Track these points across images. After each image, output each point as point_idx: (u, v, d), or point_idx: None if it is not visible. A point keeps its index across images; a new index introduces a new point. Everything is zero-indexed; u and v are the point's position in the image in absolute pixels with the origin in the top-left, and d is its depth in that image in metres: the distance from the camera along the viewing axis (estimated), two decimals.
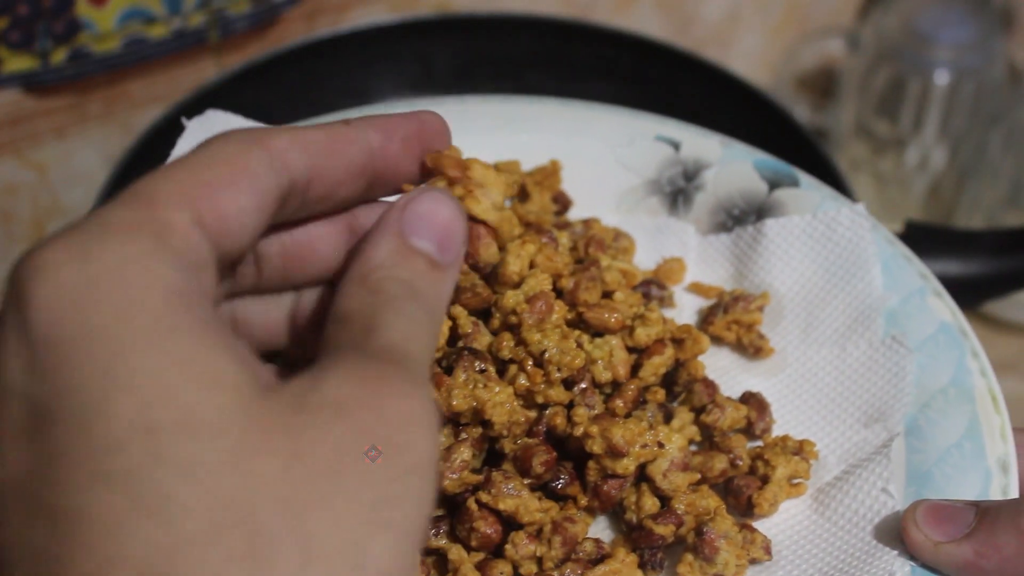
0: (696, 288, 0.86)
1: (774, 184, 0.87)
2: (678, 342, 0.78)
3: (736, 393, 0.78)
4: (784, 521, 0.73)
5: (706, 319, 0.83)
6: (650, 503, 0.70)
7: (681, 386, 0.77)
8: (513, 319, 0.72)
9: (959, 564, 0.64)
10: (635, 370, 0.76)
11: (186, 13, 1.19)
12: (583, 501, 0.71)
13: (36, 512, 0.41)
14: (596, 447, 0.69)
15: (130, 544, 0.39)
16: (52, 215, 1.31)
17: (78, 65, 1.19)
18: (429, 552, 0.69)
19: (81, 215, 0.46)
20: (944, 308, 0.78)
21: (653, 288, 0.83)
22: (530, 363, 0.71)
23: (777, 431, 0.77)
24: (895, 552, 0.67)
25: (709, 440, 0.76)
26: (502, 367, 0.72)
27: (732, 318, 0.81)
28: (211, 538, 0.39)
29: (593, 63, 1.35)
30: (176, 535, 0.39)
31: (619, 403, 0.73)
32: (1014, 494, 0.69)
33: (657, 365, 0.76)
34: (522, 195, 0.89)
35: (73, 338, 0.41)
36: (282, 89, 1.25)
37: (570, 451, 0.72)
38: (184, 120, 0.85)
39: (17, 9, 1.18)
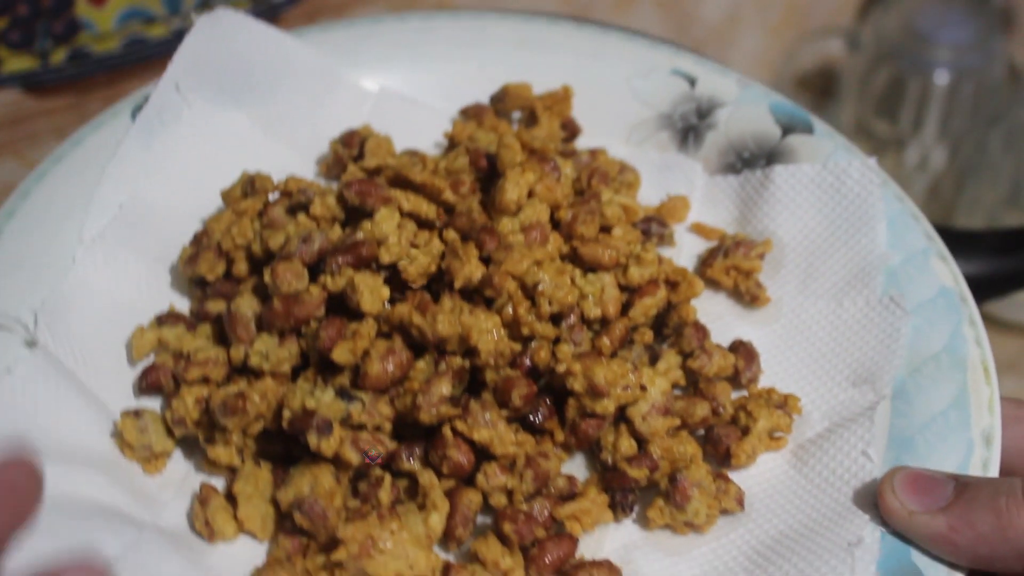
0: (698, 229, 0.84)
1: (788, 129, 0.85)
2: (672, 284, 0.76)
3: (727, 340, 0.77)
4: (761, 474, 0.72)
5: (705, 262, 0.81)
6: (627, 445, 0.69)
7: (671, 329, 0.76)
8: (501, 255, 0.71)
9: (931, 536, 0.64)
10: (626, 309, 0.75)
11: (186, 13, 1.17)
12: (560, 437, 0.71)
13: None
14: (577, 385, 0.68)
15: None
16: None
17: (78, 65, 1.17)
18: (400, 475, 0.69)
19: None
20: (947, 272, 0.77)
21: (654, 225, 0.82)
22: (520, 293, 0.70)
23: (764, 382, 0.76)
24: (867, 516, 0.66)
25: (694, 386, 0.75)
26: (491, 297, 0.71)
27: (731, 263, 0.80)
28: None
29: None
30: None
31: (606, 341, 0.72)
32: (994, 468, 0.68)
33: (648, 306, 0.74)
34: (530, 119, 0.88)
35: None
36: None
37: (553, 387, 0.71)
38: (193, 15, 0.83)
39: (17, 9, 1.15)
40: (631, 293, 0.75)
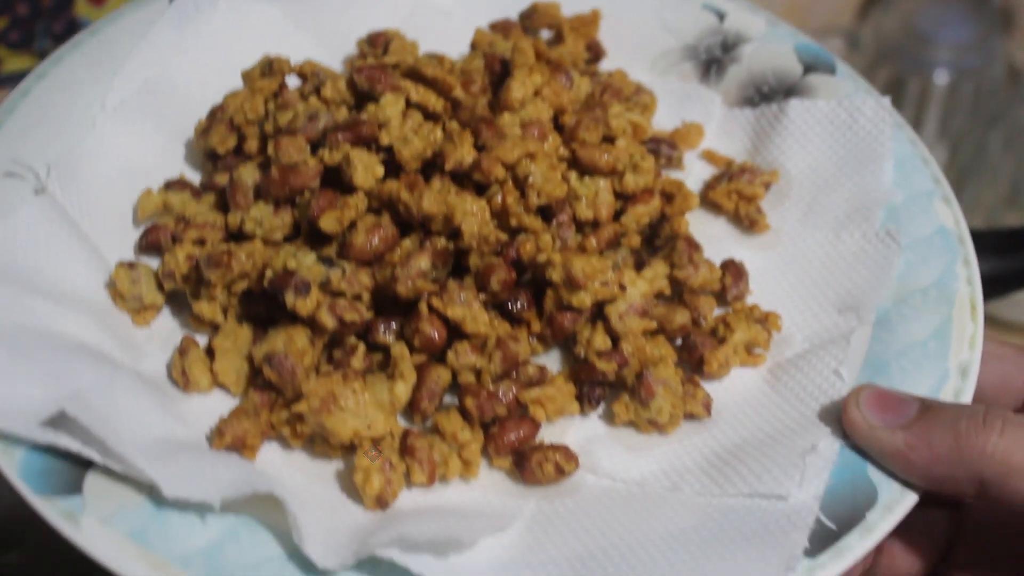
0: (708, 156, 0.85)
1: (810, 67, 0.85)
2: (667, 196, 0.77)
3: (721, 261, 0.78)
4: (734, 386, 0.72)
5: (709, 185, 0.82)
6: (600, 340, 0.70)
7: (662, 240, 0.77)
8: (494, 143, 0.72)
9: (888, 451, 0.64)
10: (619, 216, 0.76)
11: None
12: (536, 327, 0.71)
13: None
14: (555, 275, 0.69)
15: None
16: None
17: None
18: (375, 348, 0.70)
19: None
20: (949, 214, 0.76)
21: (663, 146, 0.82)
22: (511, 184, 0.71)
23: (754, 303, 0.76)
24: (828, 429, 0.66)
25: (679, 296, 0.75)
26: (483, 185, 0.72)
27: (734, 187, 0.80)
28: None
29: None
30: None
31: (592, 241, 0.73)
32: (966, 400, 0.68)
33: (640, 214, 0.75)
34: (557, 38, 0.89)
35: None
36: None
37: (536, 281, 0.72)
38: None
39: (17, 9, 1.19)
40: (626, 201, 0.76)
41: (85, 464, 0.60)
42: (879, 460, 0.64)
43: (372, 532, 0.61)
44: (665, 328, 0.72)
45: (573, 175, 0.75)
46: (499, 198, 0.71)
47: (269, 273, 0.68)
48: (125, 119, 0.79)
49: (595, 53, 0.88)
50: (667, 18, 0.89)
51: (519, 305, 0.71)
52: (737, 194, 0.80)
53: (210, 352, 0.70)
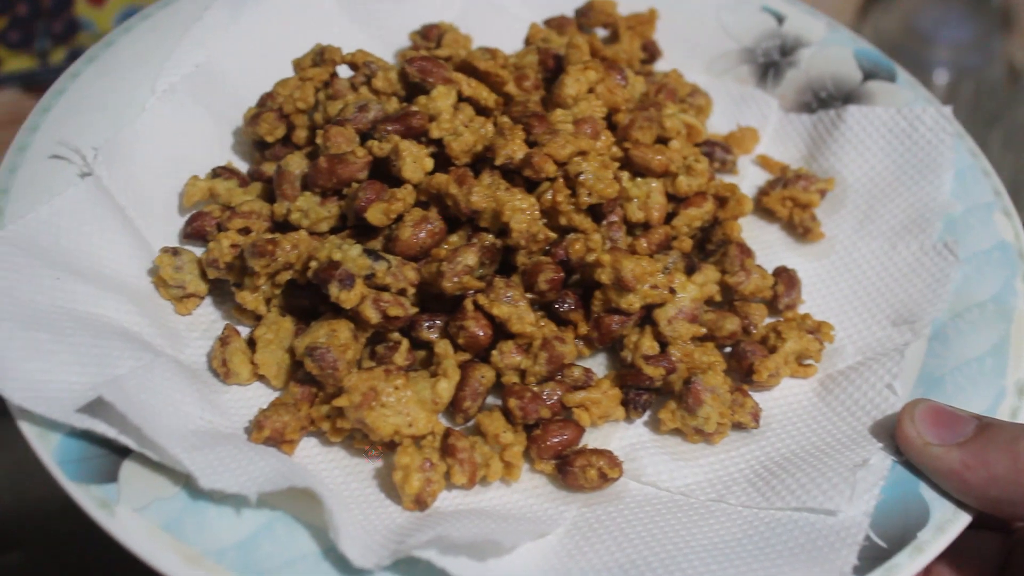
0: (763, 161, 0.83)
1: (870, 74, 0.83)
2: (721, 200, 0.75)
3: (773, 268, 0.76)
4: (785, 397, 0.71)
5: (763, 191, 0.80)
6: (648, 345, 0.69)
7: (714, 244, 0.75)
8: (545, 138, 0.71)
9: (944, 470, 0.62)
10: (671, 219, 0.74)
11: None
12: (583, 329, 0.70)
13: None
14: (605, 276, 0.68)
15: None
16: None
17: None
18: (420, 345, 0.69)
19: None
20: (1009, 227, 0.75)
21: (718, 150, 0.81)
22: (561, 182, 0.70)
23: (805, 313, 0.75)
24: (880, 444, 0.65)
25: (729, 303, 0.74)
26: (533, 181, 0.71)
27: (789, 194, 0.78)
28: None
29: None
30: None
31: (643, 243, 0.71)
32: (1023, 419, 0.66)
33: (693, 217, 0.74)
34: (612, 36, 0.88)
35: None
36: None
37: (585, 281, 0.70)
38: None
39: (16, 9, 1.18)
40: (678, 203, 0.74)
41: (122, 452, 0.59)
42: (933, 478, 0.63)
43: (410, 532, 0.60)
44: (714, 335, 0.71)
45: (625, 175, 0.73)
46: (549, 195, 0.69)
47: (314, 264, 0.66)
48: (174, 104, 0.78)
49: (651, 53, 0.87)
50: (725, 20, 0.88)
51: (566, 306, 0.69)
52: (791, 201, 0.78)
53: (251, 343, 0.69)
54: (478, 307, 0.67)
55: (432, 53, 0.81)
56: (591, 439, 0.68)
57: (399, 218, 0.69)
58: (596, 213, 0.71)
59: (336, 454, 0.66)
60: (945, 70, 1.39)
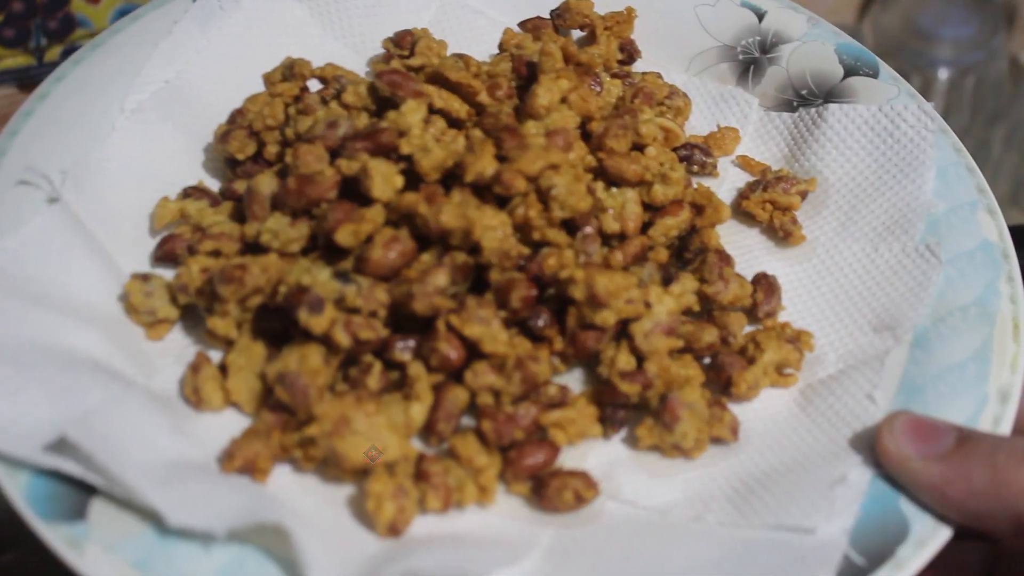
0: (743, 162, 0.82)
1: (851, 70, 0.82)
2: (697, 208, 0.74)
3: (754, 273, 0.75)
4: (764, 409, 0.70)
5: (742, 194, 0.79)
6: (625, 360, 0.68)
7: (692, 253, 0.74)
8: (516, 154, 0.69)
9: (922, 484, 0.61)
10: (647, 228, 0.73)
11: None
12: (558, 345, 0.69)
13: None
14: (578, 293, 0.67)
15: None
16: None
17: None
18: (392, 366, 0.68)
19: None
20: (993, 227, 0.73)
21: (697, 153, 0.80)
22: (533, 197, 0.69)
23: (786, 319, 0.74)
24: (859, 458, 0.64)
25: (708, 313, 0.73)
26: (504, 197, 0.70)
27: (769, 197, 0.77)
28: None
29: None
30: None
31: (618, 255, 0.70)
32: (1006, 426, 0.65)
33: (669, 226, 0.73)
34: (589, 38, 0.86)
35: None
36: None
37: (560, 296, 0.69)
38: None
39: (12, 6, 1.16)
40: (654, 212, 0.73)
41: (91, 489, 0.59)
42: (913, 492, 0.62)
43: (383, 563, 0.59)
44: (693, 347, 0.70)
45: (600, 185, 0.72)
46: (521, 211, 0.68)
47: (283, 289, 0.66)
48: (143, 122, 0.77)
49: (629, 54, 0.86)
50: (704, 16, 0.87)
51: (540, 322, 0.68)
52: (771, 204, 0.77)
53: (223, 369, 0.68)
54: (450, 328, 0.67)
55: (405, 63, 0.80)
56: (568, 457, 0.67)
57: (369, 238, 0.68)
58: (570, 226, 0.70)
59: (309, 481, 0.65)
60: (947, 68, 1.38)
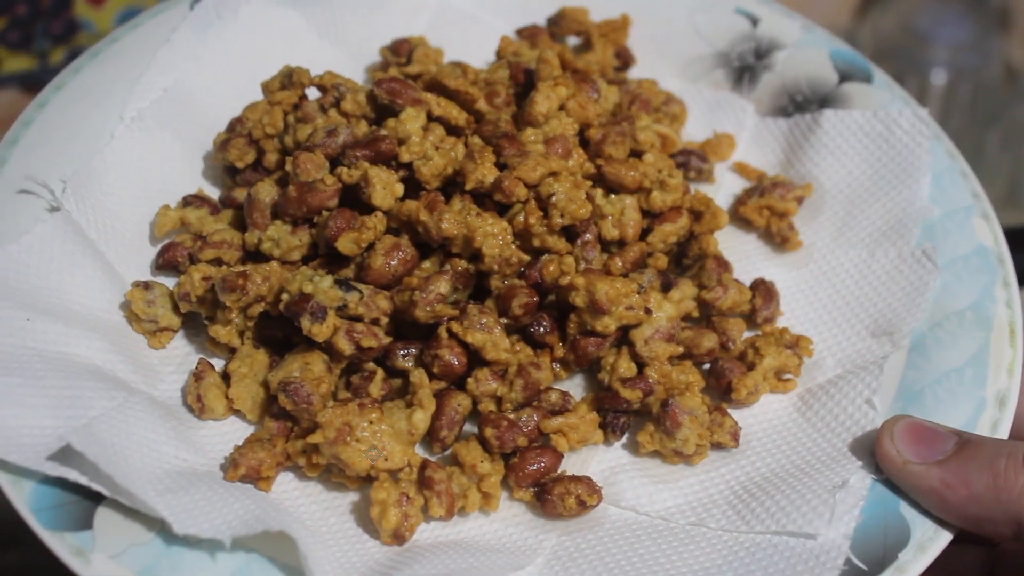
0: (740, 168, 0.82)
1: (846, 76, 0.82)
2: (696, 214, 0.75)
3: (752, 279, 0.75)
4: (764, 413, 0.70)
5: (739, 200, 0.80)
6: (625, 367, 0.68)
7: (690, 259, 0.75)
8: (515, 161, 0.70)
9: (923, 489, 0.61)
10: (646, 235, 0.74)
11: None
12: (560, 352, 0.70)
13: None
14: (579, 300, 0.67)
15: None
16: None
17: None
18: (395, 373, 0.68)
19: None
20: (987, 232, 0.74)
21: (693, 159, 0.80)
22: (533, 204, 0.69)
23: (784, 324, 0.74)
24: (859, 463, 0.64)
25: (707, 319, 0.73)
26: (505, 204, 0.70)
27: (766, 203, 0.78)
28: None
29: None
30: None
31: (618, 262, 0.71)
32: (1004, 431, 0.65)
33: (668, 233, 0.73)
34: (585, 44, 0.87)
35: None
36: None
37: (561, 303, 0.70)
38: None
39: (16, 9, 1.17)
40: (653, 219, 0.74)
41: (96, 498, 0.59)
42: (913, 497, 0.62)
43: (387, 570, 0.59)
44: (692, 352, 0.71)
45: (599, 192, 0.73)
46: (521, 218, 0.69)
47: (285, 297, 0.66)
48: (143, 130, 0.77)
49: (624, 60, 0.86)
50: (699, 23, 0.87)
51: (542, 329, 0.69)
52: (768, 210, 0.78)
53: (226, 376, 0.68)
54: (452, 335, 0.67)
55: (402, 70, 0.80)
56: (570, 463, 0.68)
57: (371, 246, 0.68)
58: (570, 232, 0.71)
59: (313, 488, 0.65)
60: (943, 70, 1.39)
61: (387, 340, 0.67)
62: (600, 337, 0.68)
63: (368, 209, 0.69)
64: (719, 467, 0.68)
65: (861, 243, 0.76)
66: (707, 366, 0.72)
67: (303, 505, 0.64)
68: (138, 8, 1.18)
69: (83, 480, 0.58)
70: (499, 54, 0.83)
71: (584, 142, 0.75)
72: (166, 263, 0.73)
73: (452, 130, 0.75)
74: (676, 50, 0.87)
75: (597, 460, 0.68)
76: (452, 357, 0.67)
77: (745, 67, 0.85)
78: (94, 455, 0.58)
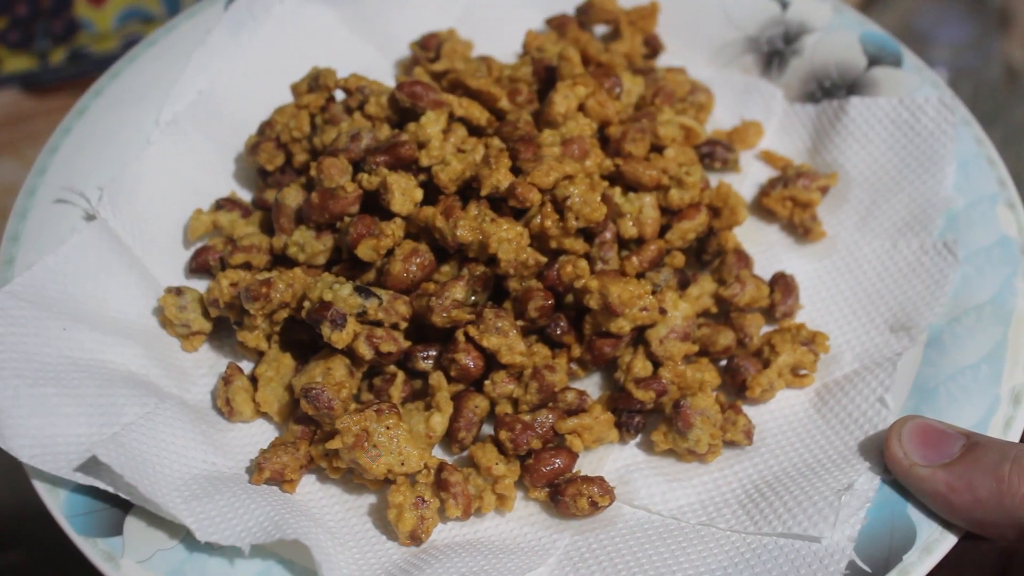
0: (766, 157, 0.82)
1: (875, 60, 0.82)
2: (714, 210, 0.75)
3: (774, 270, 0.76)
4: (780, 410, 0.71)
5: (763, 190, 0.80)
6: (641, 366, 0.69)
7: (710, 255, 0.75)
8: (530, 166, 0.71)
9: (929, 492, 0.62)
10: (664, 232, 0.74)
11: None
12: (576, 352, 0.71)
13: None
14: (593, 302, 0.68)
15: None
16: None
17: (77, 65, 1.19)
18: (415, 375, 0.70)
19: None
20: (1012, 221, 0.73)
21: (719, 149, 0.80)
22: (549, 207, 0.70)
23: (804, 318, 0.74)
24: (867, 464, 0.65)
25: (725, 314, 0.74)
26: (520, 208, 0.71)
27: (789, 193, 0.78)
28: None
29: None
30: None
31: (635, 260, 0.71)
32: (1017, 429, 0.65)
33: (686, 230, 0.74)
34: (614, 33, 0.87)
35: None
36: None
37: (578, 303, 0.71)
38: None
39: (16, 9, 1.18)
40: (672, 216, 0.74)
41: (126, 505, 0.62)
42: (919, 499, 0.63)
43: (405, 571, 0.61)
44: (709, 350, 0.71)
45: (617, 191, 0.73)
46: (538, 221, 0.70)
47: (307, 304, 0.68)
48: (177, 135, 0.79)
49: (653, 48, 0.86)
50: (728, 7, 0.87)
51: (559, 330, 0.70)
52: (792, 200, 0.78)
53: (253, 380, 0.71)
54: (469, 339, 0.69)
55: (429, 68, 0.81)
56: (585, 462, 0.69)
57: (390, 251, 0.70)
58: (588, 233, 0.72)
59: (336, 490, 0.68)
60: (943, 70, 1.37)
61: (406, 344, 0.69)
62: (615, 338, 0.69)
63: (389, 214, 0.71)
64: (732, 465, 0.69)
65: (885, 233, 0.76)
66: (723, 363, 0.73)
67: (326, 506, 0.67)
68: (139, 9, 1.19)
69: (111, 488, 0.61)
70: (524, 48, 0.84)
71: (604, 139, 0.76)
72: (199, 266, 0.75)
73: (474, 130, 0.76)
74: (705, 36, 0.87)
75: (612, 458, 0.70)
76: (469, 361, 0.68)
77: (774, 52, 0.85)
78: (120, 466, 0.60)
